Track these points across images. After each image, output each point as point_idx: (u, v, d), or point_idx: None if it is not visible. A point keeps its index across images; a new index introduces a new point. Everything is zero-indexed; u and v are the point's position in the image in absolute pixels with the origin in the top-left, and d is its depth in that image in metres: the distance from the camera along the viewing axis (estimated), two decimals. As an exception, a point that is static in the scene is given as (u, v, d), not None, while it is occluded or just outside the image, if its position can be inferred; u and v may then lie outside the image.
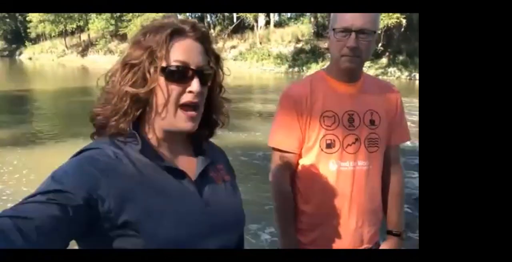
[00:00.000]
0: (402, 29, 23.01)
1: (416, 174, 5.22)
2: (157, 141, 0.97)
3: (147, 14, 31.55)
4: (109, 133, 0.93)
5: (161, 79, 0.90)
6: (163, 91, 0.91)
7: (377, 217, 1.63)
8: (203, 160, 1.01)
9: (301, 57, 25.93)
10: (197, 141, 1.04)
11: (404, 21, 21.05)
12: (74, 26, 40.29)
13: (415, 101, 6.60)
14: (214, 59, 0.99)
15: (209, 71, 0.96)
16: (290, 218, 1.59)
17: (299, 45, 27.33)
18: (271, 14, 30.15)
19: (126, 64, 0.92)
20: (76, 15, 39.22)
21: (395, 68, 22.17)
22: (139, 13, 32.53)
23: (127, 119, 0.92)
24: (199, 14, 28.77)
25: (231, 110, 1.08)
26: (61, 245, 0.75)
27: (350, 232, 1.56)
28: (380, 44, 21.63)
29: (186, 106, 0.92)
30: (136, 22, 32.56)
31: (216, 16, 33.80)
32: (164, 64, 0.90)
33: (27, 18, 42.45)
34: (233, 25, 32.06)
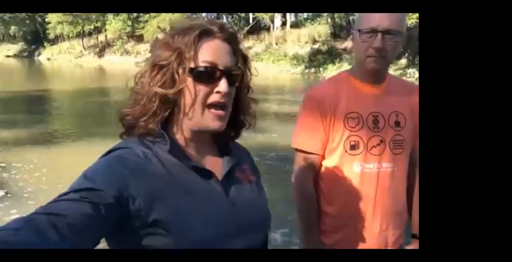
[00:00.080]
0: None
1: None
2: (185, 141, 0.97)
3: (164, 15, 31.88)
4: (138, 132, 0.95)
5: (189, 80, 0.91)
6: (191, 91, 0.91)
7: (401, 219, 1.61)
8: (229, 160, 1.02)
9: (317, 58, 25.74)
10: (223, 141, 1.04)
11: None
12: (92, 27, 40.89)
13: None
14: (242, 59, 0.99)
15: (237, 72, 0.96)
16: (313, 219, 1.58)
17: (316, 46, 27.17)
18: (288, 15, 30.09)
19: (155, 66, 0.93)
20: (93, 16, 39.79)
21: (414, 69, 21.90)
22: (156, 14, 32.82)
23: (156, 119, 0.93)
24: (215, 14, 28.85)
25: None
26: (92, 243, 0.77)
27: (375, 235, 1.54)
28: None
29: (213, 106, 0.92)
30: (153, 23, 32.87)
31: (232, 17, 33.92)
32: (192, 65, 0.90)
33: (46, 20, 43.16)
34: (249, 26, 32.12)
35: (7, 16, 48.27)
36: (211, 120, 0.93)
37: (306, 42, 28.02)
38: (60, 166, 6.46)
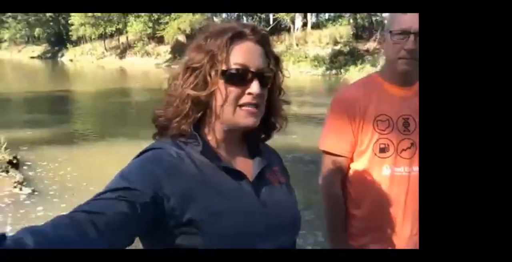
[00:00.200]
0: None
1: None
2: (216, 143, 0.98)
3: (184, 16, 32.14)
4: (171, 133, 0.96)
5: (221, 82, 0.92)
6: (223, 93, 0.92)
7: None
8: (259, 162, 1.02)
9: (339, 59, 25.31)
10: (254, 143, 1.05)
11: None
12: (114, 29, 41.46)
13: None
14: (274, 61, 0.99)
15: (269, 74, 0.96)
16: (341, 222, 1.57)
17: (337, 47, 26.75)
18: (309, 16, 29.90)
19: (188, 68, 0.94)
20: (115, 18, 40.34)
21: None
22: (176, 16, 33.09)
23: (188, 121, 0.94)
24: (235, 15, 28.92)
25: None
26: (126, 242, 0.79)
27: (404, 240, 1.52)
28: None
29: (245, 105, 0.93)
30: (173, 24, 33.16)
31: (253, 18, 33.96)
32: (224, 67, 0.91)
33: (69, 21, 43.96)
34: (270, 27, 32.12)
35: (32, 18, 49.40)
36: (243, 117, 0.93)
37: (327, 43, 27.66)
38: (83, 164, 6.59)
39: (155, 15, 36.21)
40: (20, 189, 5.37)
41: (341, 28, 28.27)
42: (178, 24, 32.72)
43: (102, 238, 0.71)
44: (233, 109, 0.93)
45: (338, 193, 1.56)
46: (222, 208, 0.89)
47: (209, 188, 0.90)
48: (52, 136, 8.73)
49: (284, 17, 29.51)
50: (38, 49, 54.72)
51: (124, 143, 7.67)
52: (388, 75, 1.51)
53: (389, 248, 1.52)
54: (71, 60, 45.64)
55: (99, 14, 38.69)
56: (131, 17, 38.69)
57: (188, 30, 32.27)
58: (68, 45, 48.87)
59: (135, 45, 40.17)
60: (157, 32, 36.12)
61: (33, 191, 5.36)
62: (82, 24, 41.80)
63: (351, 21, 27.73)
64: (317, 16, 32.15)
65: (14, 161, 6.36)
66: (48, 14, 48.37)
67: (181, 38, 33.78)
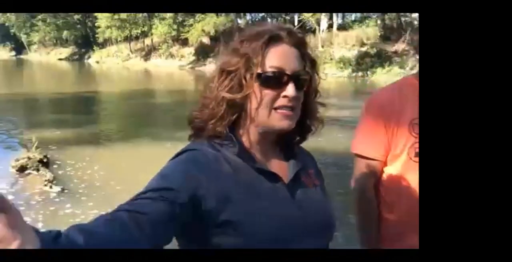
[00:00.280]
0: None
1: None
2: (251, 145, 0.98)
3: (208, 19, 32.36)
4: (206, 135, 0.97)
5: (256, 85, 0.92)
6: (257, 96, 0.92)
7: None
8: (294, 164, 1.02)
9: (365, 61, 24.76)
10: (289, 145, 1.05)
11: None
12: (139, 31, 42.06)
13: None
14: (310, 63, 0.99)
15: (305, 76, 0.96)
16: (373, 226, 1.55)
17: (364, 48, 26.11)
18: (334, 17, 29.57)
19: (223, 71, 0.95)
20: (140, 20, 40.92)
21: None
22: (200, 18, 33.34)
23: (223, 123, 0.95)
24: (260, 17, 28.95)
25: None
26: (167, 241, 0.81)
27: None
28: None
29: (280, 107, 0.93)
30: (197, 27, 33.42)
31: (277, 19, 33.92)
32: (259, 70, 0.92)
33: (95, 24, 44.83)
34: (295, 28, 32.00)
35: (60, 21, 50.57)
36: (278, 120, 0.93)
37: (354, 45, 27.11)
38: (110, 164, 6.71)
39: (180, 18, 36.60)
40: (50, 187, 5.50)
41: (368, 30, 27.67)
42: (202, 26, 32.96)
43: (144, 236, 0.73)
44: (268, 112, 0.93)
45: (371, 197, 1.54)
46: (258, 209, 0.90)
47: (245, 190, 0.91)
48: (79, 136, 8.92)
49: (310, 18, 29.29)
50: (65, 51, 55.94)
51: (148, 143, 7.81)
52: None
53: None
54: (97, 62, 46.52)
55: (125, 16, 39.28)
56: (156, 20, 39.17)
57: (212, 32, 32.50)
58: (95, 47, 49.79)
59: (159, 47, 40.64)
60: (182, 34, 36.46)
61: (63, 189, 5.48)
62: (108, 27, 42.52)
63: (379, 22, 27.22)
64: (343, 18, 31.79)
65: (45, 160, 6.50)
66: (75, 17, 49.48)
67: (205, 40, 34.05)
